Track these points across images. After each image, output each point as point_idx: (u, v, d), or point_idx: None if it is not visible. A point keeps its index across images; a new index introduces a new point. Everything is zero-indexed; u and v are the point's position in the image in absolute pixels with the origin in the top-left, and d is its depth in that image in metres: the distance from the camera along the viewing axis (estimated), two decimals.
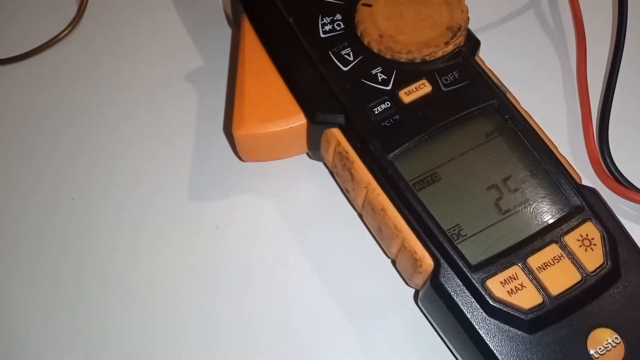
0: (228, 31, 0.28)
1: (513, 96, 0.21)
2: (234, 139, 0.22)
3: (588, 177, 0.24)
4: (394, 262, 0.21)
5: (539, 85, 0.26)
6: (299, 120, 0.22)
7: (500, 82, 0.22)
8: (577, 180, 0.19)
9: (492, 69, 0.22)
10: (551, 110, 0.25)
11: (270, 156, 0.24)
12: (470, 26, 0.22)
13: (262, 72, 0.23)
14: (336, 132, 0.21)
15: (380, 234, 0.21)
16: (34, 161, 0.25)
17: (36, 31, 0.28)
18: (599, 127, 0.24)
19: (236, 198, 0.24)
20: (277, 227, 0.23)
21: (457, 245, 0.18)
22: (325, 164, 0.24)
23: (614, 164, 0.23)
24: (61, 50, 0.28)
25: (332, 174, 0.24)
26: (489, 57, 0.23)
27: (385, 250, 0.21)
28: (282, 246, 0.23)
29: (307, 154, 0.24)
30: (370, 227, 0.22)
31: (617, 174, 0.23)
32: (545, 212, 0.19)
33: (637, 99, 0.26)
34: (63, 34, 0.28)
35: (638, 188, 0.22)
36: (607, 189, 0.23)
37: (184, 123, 0.26)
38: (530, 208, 0.19)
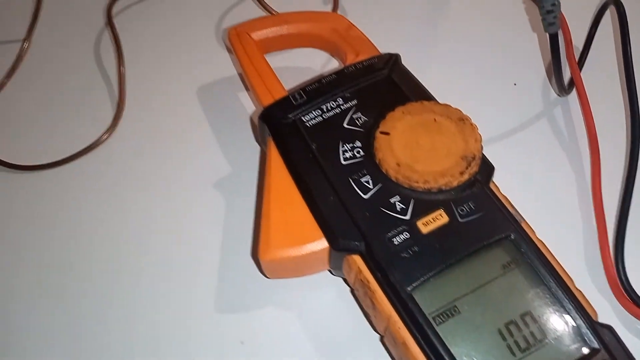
0: (257, 145, 0.30)
1: (528, 225, 0.22)
2: (259, 260, 0.23)
3: (606, 297, 0.24)
4: None
5: (554, 200, 0.27)
6: (322, 245, 0.23)
7: (515, 210, 0.23)
8: (593, 317, 0.20)
9: (506, 195, 0.23)
10: (567, 227, 0.26)
11: (294, 274, 0.25)
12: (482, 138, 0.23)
13: (286, 196, 0.24)
14: (357, 260, 0.22)
15: None
16: (67, 261, 0.26)
17: (74, 137, 0.31)
18: (615, 246, 0.24)
19: (260, 312, 0.25)
20: (300, 344, 0.24)
21: None
22: (345, 280, 0.25)
23: (630, 285, 0.23)
24: (97, 155, 0.30)
25: (352, 289, 0.24)
26: (502, 171, 0.24)
27: None
28: None
29: (329, 270, 0.25)
30: (391, 352, 0.22)
31: (633, 295, 0.23)
32: (562, 353, 0.19)
33: None
34: (100, 140, 0.30)
35: None
36: (624, 310, 0.23)
37: (211, 234, 0.27)
38: (547, 348, 0.19)
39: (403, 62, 0.28)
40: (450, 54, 0.33)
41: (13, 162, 0.29)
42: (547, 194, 0.27)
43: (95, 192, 0.29)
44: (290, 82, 0.29)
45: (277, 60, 0.30)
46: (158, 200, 0.28)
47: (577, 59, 0.30)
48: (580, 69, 0.30)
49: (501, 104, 0.30)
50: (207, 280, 0.26)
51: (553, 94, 0.30)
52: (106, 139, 0.30)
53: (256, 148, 0.30)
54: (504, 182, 0.24)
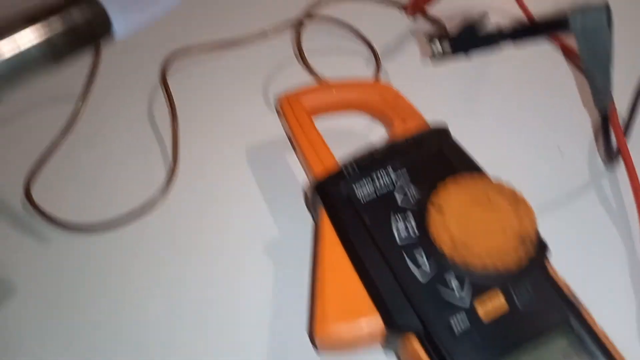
0: (305, 209, 0.30)
1: (587, 311, 0.22)
2: (312, 333, 0.24)
3: None
4: None
5: (605, 277, 0.27)
6: (377, 323, 0.23)
7: (572, 294, 0.22)
8: None
9: (563, 278, 0.23)
10: (619, 307, 0.26)
11: (346, 350, 0.25)
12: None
13: (340, 272, 0.24)
14: (414, 342, 0.22)
15: None
16: (117, 324, 0.27)
17: (128, 198, 0.31)
18: None
19: None
20: None
21: None
22: (396, 354, 0.25)
23: None
24: (150, 218, 0.31)
25: None
26: (550, 244, 0.24)
27: None
28: None
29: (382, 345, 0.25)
30: None
31: None
32: None
33: None
34: (154, 202, 0.31)
35: None
36: None
37: (261, 301, 0.27)
38: None
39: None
40: (494, 121, 0.34)
41: (67, 222, 0.30)
42: (598, 271, 0.27)
43: (146, 255, 0.29)
44: (334, 145, 0.29)
45: (320, 122, 0.30)
46: (209, 265, 0.29)
47: (622, 128, 0.30)
48: (626, 138, 0.30)
49: (547, 173, 0.30)
50: (257, 350, 0.26)
51: (600, 162, 0.30)
52: (159, 201, 0.31)
53: (305, 212, 0.30)
54: (552, 257, 0.24)
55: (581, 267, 0.27)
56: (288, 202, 0.31)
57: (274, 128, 0.34)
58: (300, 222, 0.30)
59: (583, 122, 0.33)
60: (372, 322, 0.23)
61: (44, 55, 0.15)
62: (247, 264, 0.29)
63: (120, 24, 0.16)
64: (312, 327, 0.24)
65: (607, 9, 0.24)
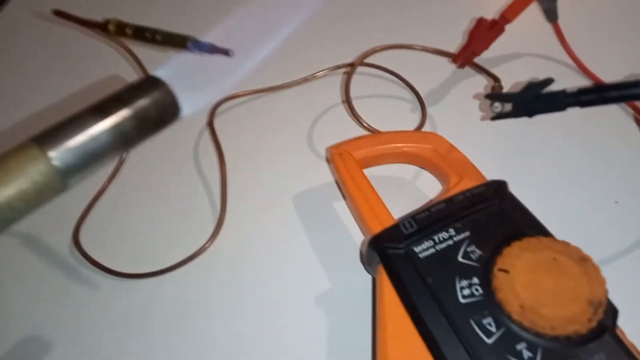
0: (355, 259, 0.30)
1: None
2: None
3: None
4: None
5: None
6: None
7: None
8: None
9: (633, 342, 0.22)
10: None
11: None
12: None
13: (403, 335, 0.24)
14: None
15: None
16: None
17: (176, 244, 0.31)
18: None
19: None
20: None
21: None
22: None
23: None
24: (199, 264, 0.30)
25: None
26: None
27: None
28: None
29: None
30: None
31: None
32: None
33: None
34: (203, 248, 0.31)
35: None
36: None
37: (312, 355, 0.27)
38: None
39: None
40: (548, 175, 0.33)
41: (114, 268, 0.30)
42: None
43: (193, 302, 0.29)
44: (383, 191, 0.29)
45: (368, 170, 0.30)
46: (256, 314, 0.28)
47: None
48: None
49: (603, 225, 0.30)
50: None
51: None
52: (208, 247, 0.31)
53: (356, 261, 0.30)
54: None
55: None
56: (337, 251, 0.30)
57: (321, 174, 0.34)
58: (350, 271, 0.29)
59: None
60: None
61: (115, 144, 0.16)
62: (297, 315, 0.28)
63: (187, 109, 0.17)
64: None
65: None
